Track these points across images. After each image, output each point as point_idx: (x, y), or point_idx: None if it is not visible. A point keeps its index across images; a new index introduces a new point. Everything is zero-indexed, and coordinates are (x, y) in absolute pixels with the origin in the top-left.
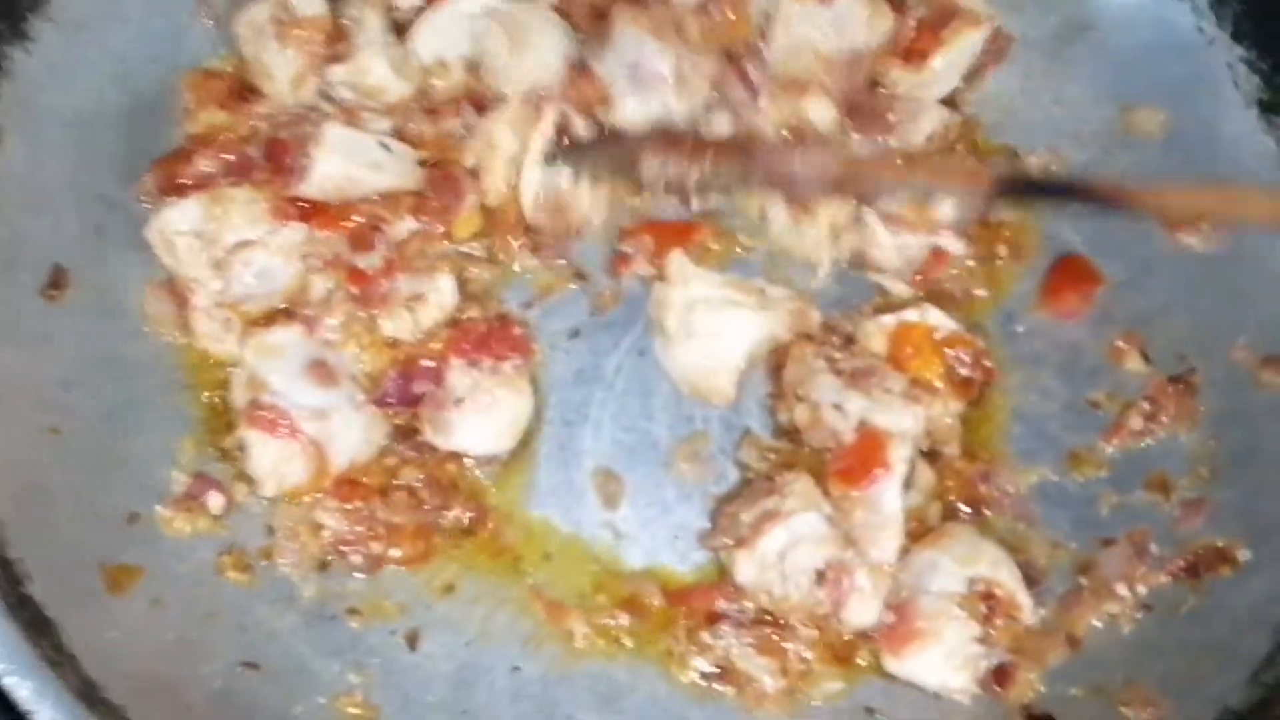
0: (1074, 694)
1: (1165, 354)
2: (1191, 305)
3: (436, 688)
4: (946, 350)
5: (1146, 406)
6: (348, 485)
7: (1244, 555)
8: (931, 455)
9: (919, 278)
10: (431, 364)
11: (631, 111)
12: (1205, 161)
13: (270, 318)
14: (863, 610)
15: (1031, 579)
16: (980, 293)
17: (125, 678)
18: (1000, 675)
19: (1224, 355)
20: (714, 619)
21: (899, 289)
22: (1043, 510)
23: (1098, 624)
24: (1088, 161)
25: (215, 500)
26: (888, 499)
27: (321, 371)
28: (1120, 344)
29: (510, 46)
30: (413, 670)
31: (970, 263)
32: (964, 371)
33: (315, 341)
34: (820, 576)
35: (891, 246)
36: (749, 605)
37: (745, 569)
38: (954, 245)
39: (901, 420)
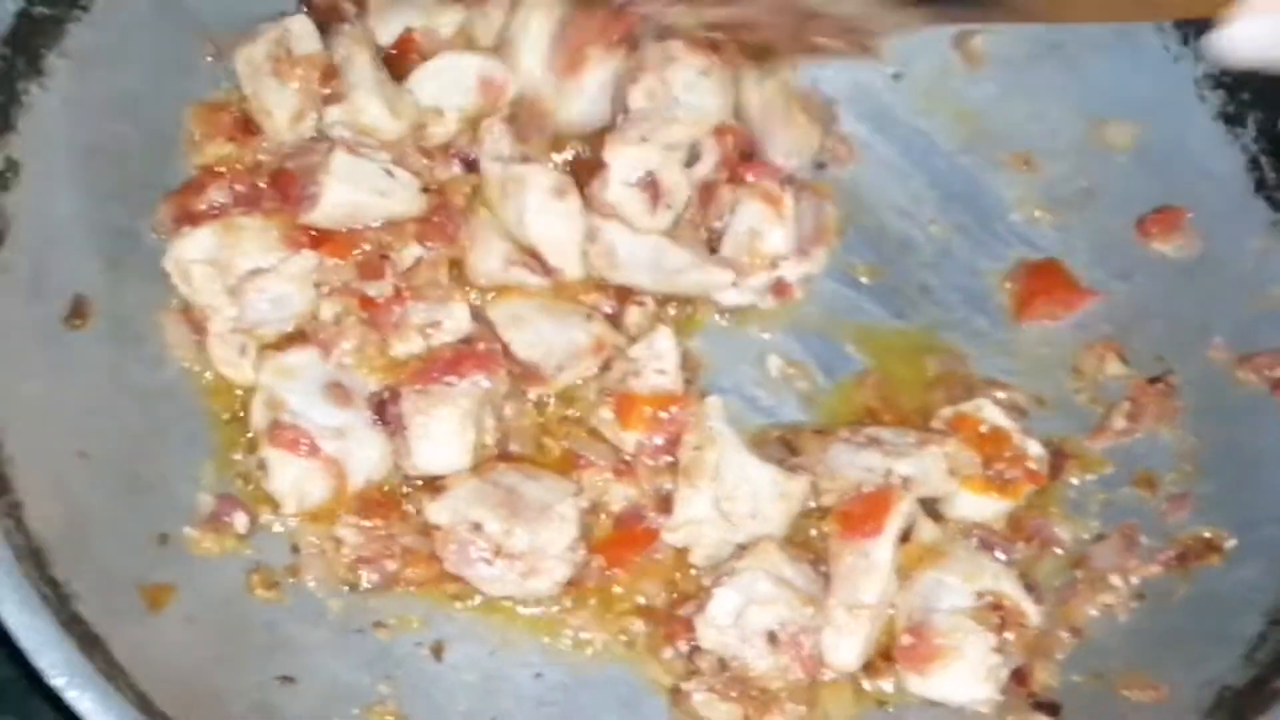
0: (1076, 681)
1: (1144, 357)
2: (1167, 310)
3: (463, 696)
4: (989, 447)
5: (1128, 407)
6: (368, 503)
7: (1230, 544)
8: None
9: None
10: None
11: None
12: (1174, 170)
13: (285, 342)
14: (840, 651)
15: (1029, 585)
16: None
17: (172, 691)
18: (1019, 676)
19: (1200, 356)
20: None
21: None
22: None
23: (1095, 614)
24: (1062, 172)
25: (241, 520)
26: (879, 550)
27: (338, 392)
28: (1100, 350)
29: None
30: (439, 680)
31: None
32: (1004, 471)
33: (330, 363)
34: (773, 638)
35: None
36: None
37: (705, 633)
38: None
39: (921, 463)
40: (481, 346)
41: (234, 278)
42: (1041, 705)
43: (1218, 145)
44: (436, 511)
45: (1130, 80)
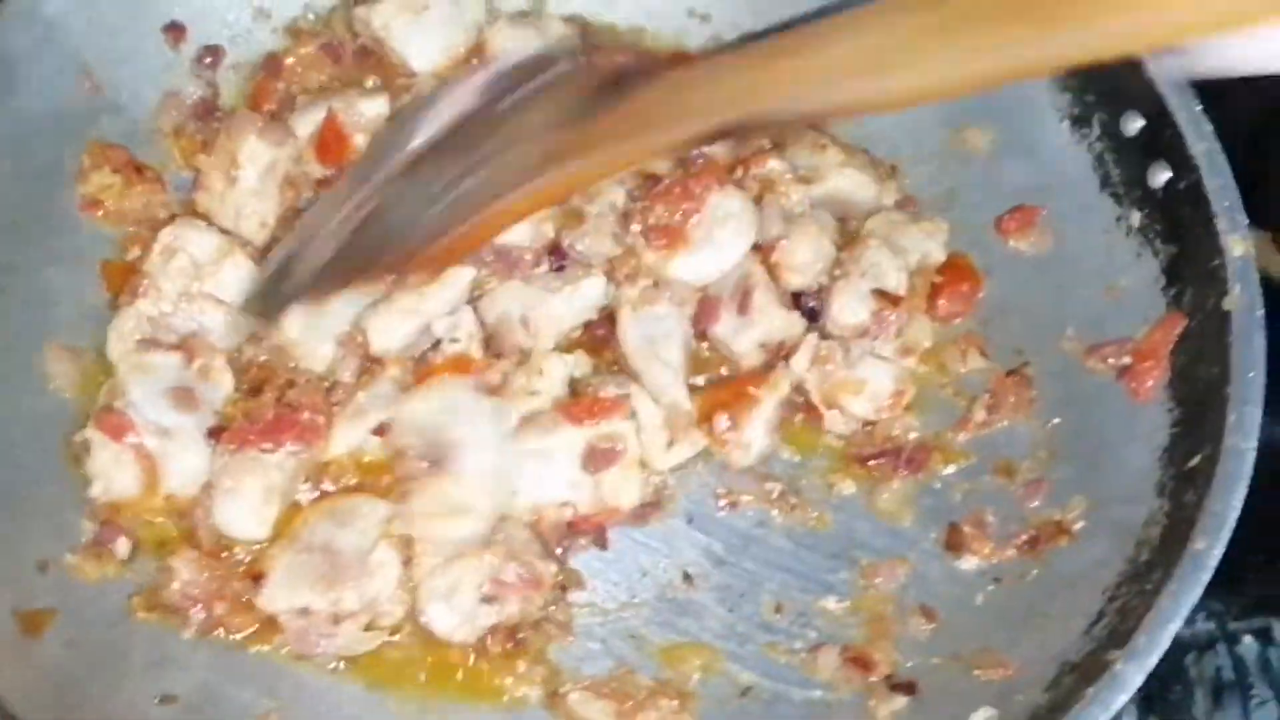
0: (934, 663)
1: (1003, 350)
2: (1023, 305)
3: (348, 705)
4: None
5: (988, 399)
6: (225, 549)
7: (1078, 526)
8: None
9: None
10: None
11: None
12: (1029, 170)
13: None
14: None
15: None
16: None
17: (49, 714)
18: (861, 663)
19: (1055, 347)
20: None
21: None
22: None
23: (952, 598)
24: (927, 175)
25: (122, 546)
26: None
27: (183, 397)
28: (962, 344)
29: None
30: (325, 692)
31: None
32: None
33: (191, 371)
34: (490, 600)
35: None
36: None
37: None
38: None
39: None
40: (306, 415)
41: (196, 288)
42: (898, 686)
43: (1066, 145)
44: (265, 601)
45: None
